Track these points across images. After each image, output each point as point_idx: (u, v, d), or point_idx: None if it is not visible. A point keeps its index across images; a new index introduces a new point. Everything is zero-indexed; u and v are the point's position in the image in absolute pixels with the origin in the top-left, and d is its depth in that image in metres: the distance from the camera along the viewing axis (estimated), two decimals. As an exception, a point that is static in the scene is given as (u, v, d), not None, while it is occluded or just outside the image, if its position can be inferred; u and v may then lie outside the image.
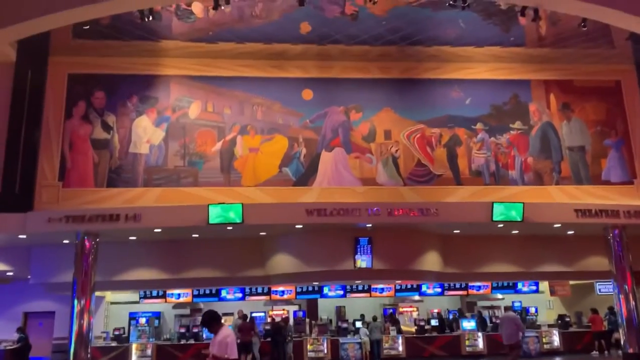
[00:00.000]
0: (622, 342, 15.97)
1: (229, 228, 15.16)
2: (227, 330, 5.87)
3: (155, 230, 15.10)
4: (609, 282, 19.44)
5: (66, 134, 16.44)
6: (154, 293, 19.31)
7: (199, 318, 20.26)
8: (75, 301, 14.56)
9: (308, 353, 17.09)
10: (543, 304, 22.07)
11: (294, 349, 17.15)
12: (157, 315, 20.66)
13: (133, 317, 20.47)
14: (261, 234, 16.70)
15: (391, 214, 14.83)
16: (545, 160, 17.67)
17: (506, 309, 16.40)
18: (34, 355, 18.21)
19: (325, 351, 17.12)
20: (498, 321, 18.60)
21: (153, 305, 20.49)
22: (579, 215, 15.54)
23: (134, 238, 16.33)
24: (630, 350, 15.49)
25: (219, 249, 17.29)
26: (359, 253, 16.28)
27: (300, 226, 15.42)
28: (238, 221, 14.37)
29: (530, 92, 18.28)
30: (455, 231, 17.18)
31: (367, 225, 15.67)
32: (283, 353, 15.97)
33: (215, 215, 14.37)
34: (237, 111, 17.24)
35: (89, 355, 14.53)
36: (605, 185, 17.53)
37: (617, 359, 16.26)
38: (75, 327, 14.39)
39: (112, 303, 20.95)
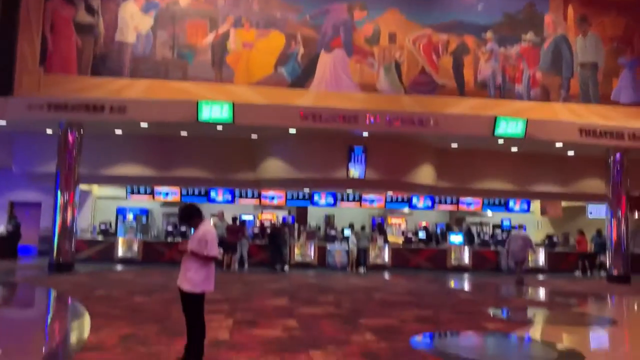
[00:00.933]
0: (607, 265, 16.07)
1: (219, 127, 14.53)
2: (208, 225, 5.41)
3: (142, 124, 14.43)
4: (602, 205, 19.38)
5: (47, 14, 15.19)
6: (142, 190, 19.02)
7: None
8: (59, 193, 14.19)
9: (295, 257, 17.13)
10: (532, 223, 22.11)
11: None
12: (145, 212, 20.58)
13: (121, 212, 20.41)
14: (253, 136, 16.10)
15: (390, 123, 14.19)
16: (554, 75, 16.80)
17: (516, 227, 16.17)
18: (21, 243, 18.21)
19: (313, 256, 17.18)
20: (505, 238, 18.57)
21: (141, 202, 20.34)
22: (583, 135, 15.01)
23: (120, 132, 15.69)
24: (615, 273, 15.62)
25: (209, 148, 16.77)
26: (352, 162, 15.83)
27: (294, 131, 14.80)
28: (228, 120, 13.70)
29: (548, 1, 17.02)
30: (453, 145, 16.68)
31: (364, 134, 15.08)
32: (281, 256, 15.92)
33: (205, 112, 13.65)
34: (231, 1, 15.95)
35: (73, 248, 14.37)
36: (614, 106, 16.83)
37: (599, 280, 16.46)
38: (58, 220, 14.12)
39: (99, 198, 20.72)
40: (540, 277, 16.68)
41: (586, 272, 18.11)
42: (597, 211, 19.96)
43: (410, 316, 8.52)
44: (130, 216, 19.79)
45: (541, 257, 18.54)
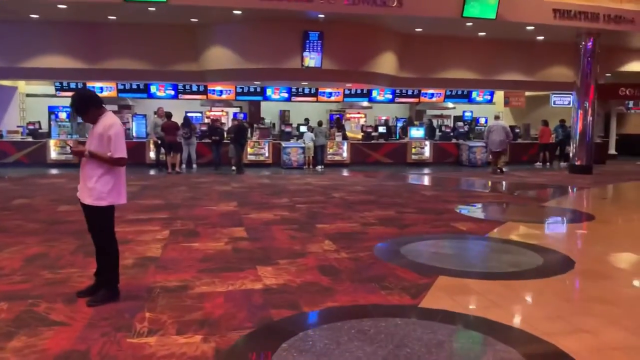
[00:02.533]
0: (570, 155, 15.65)
1: (151, 9, 12.53)
2: (111, 118, 4.08)
3: (59, 6, 12.24)
4: (566, 94, 18.74)
5: None
6: (72, 86, 16.97)
7: (128, 115, 18.60)
8: (-33, 89, 12.22)
9: (248, 156, 15.95)
10: (492, 116, 21.47)
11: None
12: (81, 110, 18.59)
13: (53, 111, 18.39)
14: (192, 20, 14.13)
15: (348, 2, 12.49)
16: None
17: (495, 117, 15.44)
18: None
19: (267, 155, 16.04)
20: (465, 130, 17.96)
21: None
22: (557, 16, 13.80)
23: (36, 16, 13.42)
24: (578, 162, 15.24)
25: (145, 36, 14.80)
26: (307, 50, 14.25)
27: (239, 12, 12.95)
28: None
29: None
30: (417, 29, 15.22)
31: (319, 16, 13.39)
32: (239, 157, 14.52)
33: (132, -11, 11.59)
34: None
35: (-7, 151, 12.70)
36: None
37: (560, 171, 16.17)
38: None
39: (28, 95, 18.57)
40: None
41: (546, 163, 17.82)
42: (561, 100, 19.35)
43: (371, 218, 7.64)
44: (63, 115, 17.82)
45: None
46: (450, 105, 20.26)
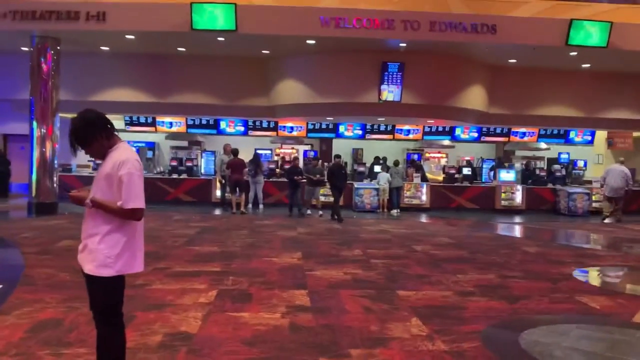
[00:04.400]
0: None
1: (220, 39, 11.83)
2: (125, 152, 2.90)
3: (127, 36, 11.82)
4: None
5: None
6: (142, 120, 16.66)
7: (196, 151, 18.07)
8: (35, 124, 11.95)
9: (319, 197, 14.72)
10: (591, 158, 19.11)
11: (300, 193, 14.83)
12: (151, 146, 18.33)
13: (124, 147, 18.18)
14: (264, 52, 13.33)
15: (433, 28, 11.17)
16: (644, -30, 13.25)
17: (618, 161, 13.79)
18: (15, 181, 16.32)
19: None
20: (560, 173, 15.93)
21: (146, 135, 18.06)
22: (680, 43, 11.73)
23: (106, 49, 13.15)
24: None
25: (214, 69, 14.20)
26: (386, 82, 13.00)
27: (312, 42, 11.96)
28: (230, 27, 10.92)
29: None
30: (510, 61, 13.60)
31: (401, 45, 12.15)
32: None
33: (200, 17, 10.89)
34: None
35: (55, 186, 12.25)
36: None
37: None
38: (35, 155, 11.99)
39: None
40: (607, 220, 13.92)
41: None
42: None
43: (468, 284, 6.03)
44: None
45: (606, 197, 15.65)
46: (543, 145, 18.18)
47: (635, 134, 17.17)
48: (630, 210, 15.56)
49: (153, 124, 16.68)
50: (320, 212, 13.14)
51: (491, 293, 5.65)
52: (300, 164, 15.28)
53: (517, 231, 12.08)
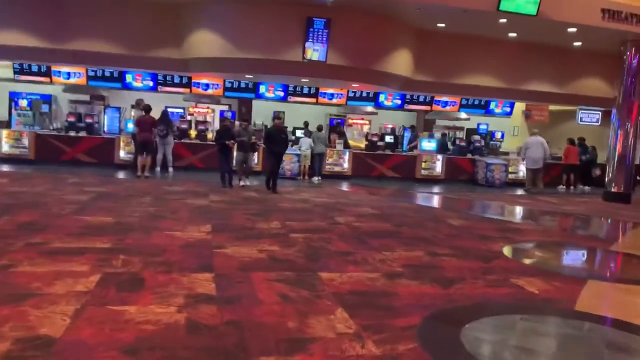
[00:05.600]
0: (606, 180, 13.58)
1: (124, -24, 10.28)
2: None
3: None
4: (594, 111, 16.75)
5: None
6: (34, 68, 14.63)
7: (99, 106, 16.28)
8: None
9: (234, 160, 13.69)
10: (508, 130, 19.49)
11: (216, 155, 13.73)
12: (48, 99, 16.24)
13: (15, 98, 16.00)
14: (176, -4, 11.92)
15: (364, -18, 10.34)
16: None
17: (533, 133, 13.88)
18: None
19: (256, 161, 13.78)
20: (477, 144, 15.96)
21: (43, 86, 15.97)
22: (605, 17, 11.77)
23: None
24: (615, 189, 13.19)
25: (119, 13, 12.65)
26: (311, 39, 12.08)
27: (232, -12, 10.75)
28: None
29: None
30: (439, 24, 13.12)
31: (328, 0, 11.21)
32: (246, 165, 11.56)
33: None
34: None
35: None
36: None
37: (590, 196, 14.14)
38: None
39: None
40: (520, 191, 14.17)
41: (570, 186, 15.83)
42: (589, 117, 17.32)
43: (396, 263, 5.44)
44: (23, 103, 15.44)
45: (522, 169, 15.94)
46: (463, 115, 18.16)
47: (551, 107, 17.53)
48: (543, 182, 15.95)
49: (48, 73, 14.69)
50: (246, 182, 11.50)
51: (422, 275, 5.07)
52: (216, 125, 14.12)
53: (439, 202, 11.83)
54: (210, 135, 14.64)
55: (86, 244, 5.44)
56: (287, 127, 13.13)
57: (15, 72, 14.62)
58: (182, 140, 13.74)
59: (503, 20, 11.88)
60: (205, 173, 13.14)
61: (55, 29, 12.52)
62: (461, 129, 18.82)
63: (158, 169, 12.66)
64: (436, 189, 13.84)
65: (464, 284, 4.89)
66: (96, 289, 4.05)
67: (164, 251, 5.35)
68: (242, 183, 11.18)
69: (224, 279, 4.52)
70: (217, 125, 16.13)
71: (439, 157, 15.33)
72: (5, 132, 13.20)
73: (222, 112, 16.46)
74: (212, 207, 8.46)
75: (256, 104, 17.27)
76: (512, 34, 13.54)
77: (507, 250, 6.48)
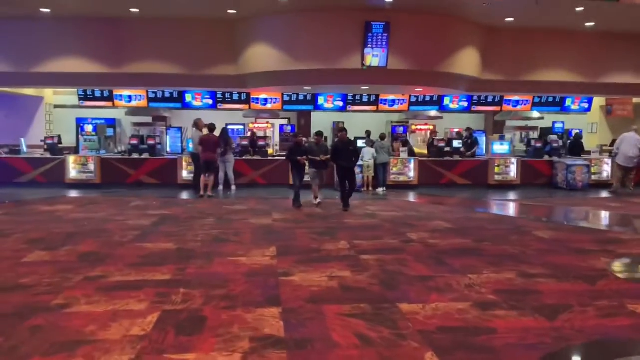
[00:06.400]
0: None
1: (176, -5, 10.17)
2: None
3: (67, -7, 10.10)
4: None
5: None
6: (97, 94, 14.93)
7: (160, 127, 16.42)
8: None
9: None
10: (585, 127, 18.04)
11: (278, 170, 13.41)
12: (112, 122, 16.56)
13: (80, 123, 16.44)
14: (230, 11, 11.70)
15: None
16: None
17: (631, 129, 12.71)
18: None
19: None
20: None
21: (107, 111, 16.34)
22: (700, -4, 10.46)
23: (47, 11, 11.36)
24: None
25: (174, 34, 12.60)
26: (370, 45, 11.53)
27: (286, -2, 10.40)
28: (188, -20, 9.29)
29: None
30: (507, 19, 12.20)
31: (386, 1, 10.63)
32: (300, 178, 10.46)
33: (151, -31, 9.23)
34: None
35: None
36: None
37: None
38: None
39: (56, 106, 16.76)
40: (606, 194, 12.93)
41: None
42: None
43: (485, 289, 4.74)
44: (89, 128, 15.78)
45: (606, 169, 14.60)
46: (536, 114, 16.97)
47: (635, 99, 16.05)
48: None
49: (110, 98, 14.98)
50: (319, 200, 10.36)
51: (520, 303, 4.35)
52: (276, 138, 13.85)
53: (519, 210, 10.88)
54: (270, 151, 14.38)
55: (145, 275, 5.10)
56: (327, 139, 12.45)
57: (80, 99, 14.99)
58: (244, 158, 13.50)
59: (580, 9, 10.85)
60: (267, 189, 12.84)
61: (114, 53, 12.67)
62: (535, 128, 17.59)
63: (220, 187, 12.48)
64: (512, 195, 12.84)
65: (571, 313, 4.13)
66: (154, 332, 3.64)
67: (227, 281, 4.93)
68: (317, 201, 10.30)
69: (293, 315, 4.02)
70: (277, 139, 15.87)
71: (513, 160, 14.28)
72: (72, 158, 13.44)
73: (281, 127, 16.17)
74: (276, 226, 8.03)
75: (315, 116, 16.90)
76: (590, 24, 12.41)
77: (613, 267, 5.61)
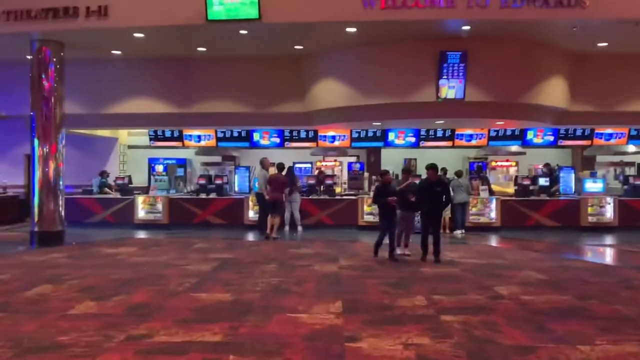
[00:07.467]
0: None
1: (242, 32, 9.92)
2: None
3: (136, 35, 10.12)
4: None
5: None
6: (168, 134, 15.04)
7: (229, 167, 16.30)
8: (36, 142, 10.38)
9: (364, 216, 12.60)
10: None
11: (346, 210, 12.73)
12: (182, 162, 16.70)
13: (152, 163, 16.69)
14: (296, 47, 11.36)
15: (505, 4, 8.87)
16: None
17: None
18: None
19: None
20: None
21: (177, 151, 16.52)
22: None
23: (118, 52, 11.53)
24: None
25: (240, 72, 12.46)
26: (445, 76, 10.74)
27: (354, 29, 9.86)
28: (252, 16, 9.00)
29: None
30: (599, 45, 11.03)
31: (462, 29, 9.87)
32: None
33: (216, 6, 9.03)
34: None
35: (61, 210, 10.63)
36: None
37: None
38: (37, 175, 10.40)
39: (129, 147, 17.14)
40: None
41: None
42: None
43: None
44: (159, 168, 15.95)
45: None
46: (632, 148, 15.32)
47: None
48: None
49: (180, 138, 15.07)
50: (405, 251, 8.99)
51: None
52: (345, 176, 13.15)
53: (623, 258, 9.48)
54: (338, 189, 13.76)
55: (193, 335, 4.48)
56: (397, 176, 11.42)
57: (150, 139, 15.18)
58: (310, 197, 12.95)
59: (688, 28, 9.56)
60: (334, 230, 12.19)
61: (182, 93, 12.67)
62: (631, 164, 15.86)
63: (286, 228, 11.97)
64: (611, 240, 11.37)
65: None
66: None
67: (284, 346, 4.20)
68: (407, 252, 8.92)
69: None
70: (345, 178, 15.26)
71: (609, 199, 12.78)
72: (141, 198, 13.44)
73: (349, 164, 15.55)
74: (342, 275, 7.27)
75: (385, 153, 16.18)
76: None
77: None
